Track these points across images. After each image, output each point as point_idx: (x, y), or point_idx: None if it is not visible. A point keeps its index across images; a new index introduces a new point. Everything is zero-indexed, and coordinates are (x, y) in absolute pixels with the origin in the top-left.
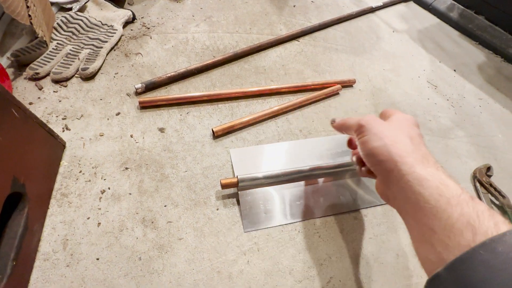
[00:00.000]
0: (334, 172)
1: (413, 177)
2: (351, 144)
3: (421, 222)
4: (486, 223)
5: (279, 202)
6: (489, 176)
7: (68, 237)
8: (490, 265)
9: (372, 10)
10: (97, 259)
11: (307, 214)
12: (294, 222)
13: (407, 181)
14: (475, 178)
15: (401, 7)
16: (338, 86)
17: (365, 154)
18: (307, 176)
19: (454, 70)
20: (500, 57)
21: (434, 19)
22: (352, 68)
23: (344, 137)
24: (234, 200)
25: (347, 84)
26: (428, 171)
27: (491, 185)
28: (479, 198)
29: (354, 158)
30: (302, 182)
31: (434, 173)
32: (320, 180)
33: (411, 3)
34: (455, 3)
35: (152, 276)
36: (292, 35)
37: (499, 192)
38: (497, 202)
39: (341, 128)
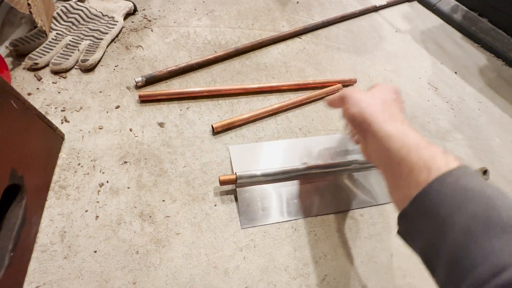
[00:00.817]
0: (332, 172)
1: (382, 133)
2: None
3: (391, 172)
4: (439, 162)
5: (277, 199)
6: (486, 179)
7: (66, 229)
8: (442, 193)
9: (375, 9)
10: (95, 251)
11: (304, 212)
12: (291, 220)
13: (379, 138)
14: None
15: (405, 7)
16: (339, 85)
17: (347, 120)
18: (305, 174)
19: (455, 73)
20: (502, 60)
21: (437, 20)
22: (354, 67)
23: (344, 137)
24: (232, 196)
25: (348, 84)
26: (394, 126)
27: None
28: None
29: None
30: (300, 181)
31: (399, 128)
32: (318, 179)
33: (415, 3)
34: (459, 4)
35: (149, 269)
36: (294, 32)
37: None
38: None
39: (331, 104)
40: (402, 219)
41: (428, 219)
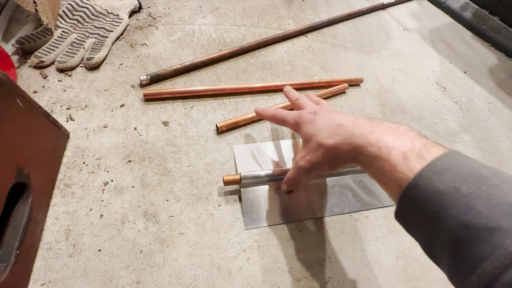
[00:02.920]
0: (337, 173)
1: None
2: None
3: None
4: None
5: (281, 200)
6: None
7: (71, 227)
8: (420, 197)
9: (383, 6)
10: (99, 250)
11: (308, 213)
12: (295, 221)
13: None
14: None
15: (413, 4)
16: (345, 85)
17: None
18: None
19: (464, 72)
20: None
21: (446, 18)
22: (360, 66)
23: None
24: (236, 196)
25: (354, 83)
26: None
27: None
28: None
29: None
30: None
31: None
32: (323, 180)
33: (424, 1)
34: (470, 2)
35: (152, 269)
36: (300, 30)
37: None
38: None
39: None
40: (396, 217)
41: (419, 214)
